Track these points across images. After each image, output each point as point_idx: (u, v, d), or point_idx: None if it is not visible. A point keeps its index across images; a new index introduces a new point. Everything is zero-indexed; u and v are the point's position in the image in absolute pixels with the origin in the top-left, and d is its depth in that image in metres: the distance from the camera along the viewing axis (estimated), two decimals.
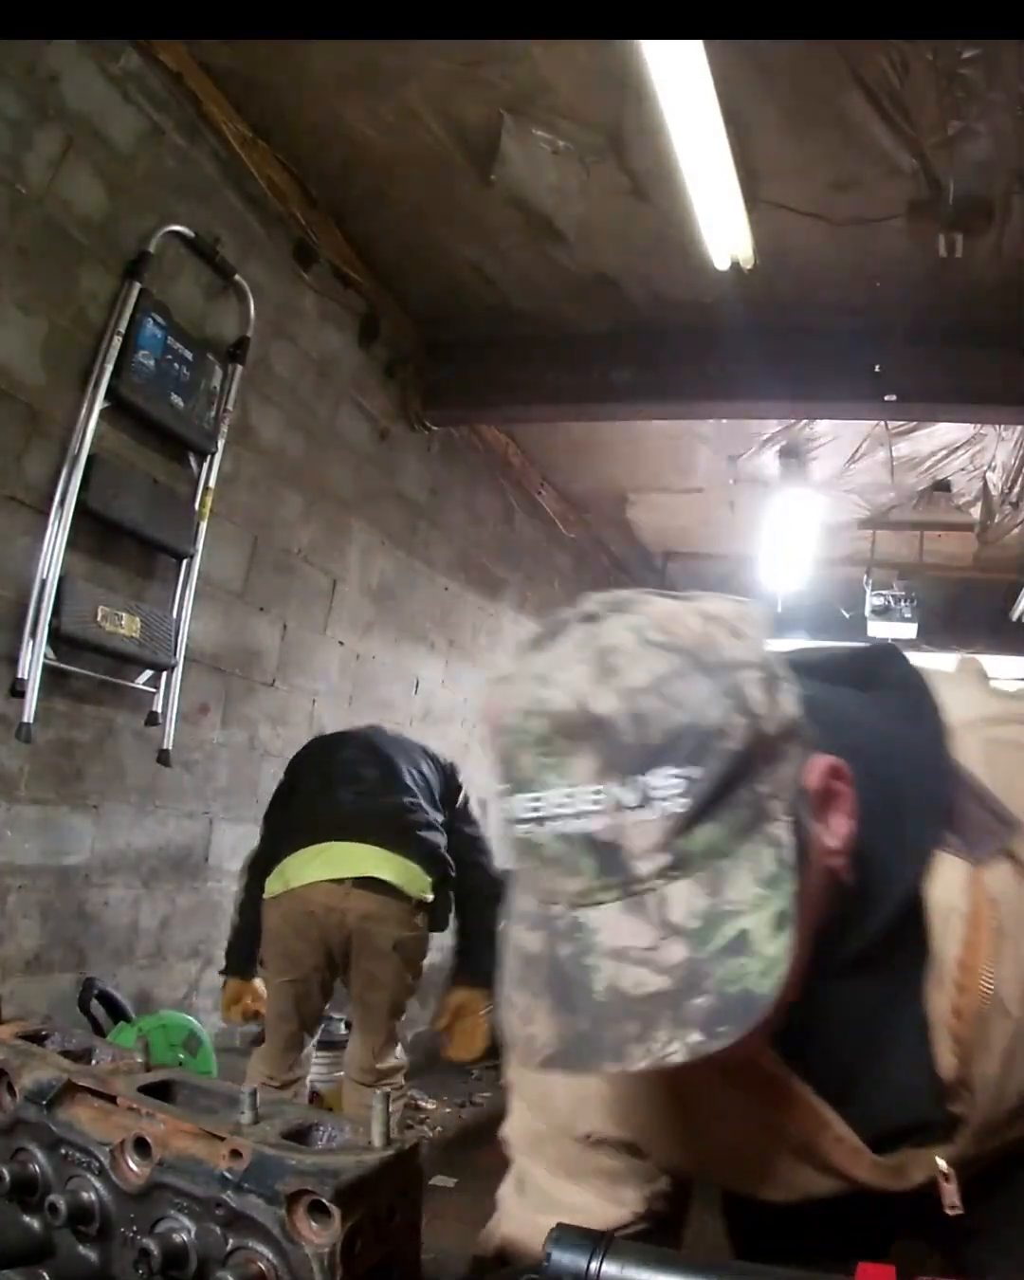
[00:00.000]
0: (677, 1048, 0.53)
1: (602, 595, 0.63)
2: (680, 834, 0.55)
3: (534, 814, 0.56)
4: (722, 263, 3.22)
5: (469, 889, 2.82)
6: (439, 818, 2.86)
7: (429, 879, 2.75)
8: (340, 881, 2.61)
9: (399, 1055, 2.81)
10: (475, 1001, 2.81)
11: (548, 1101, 0.84)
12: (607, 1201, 0.84)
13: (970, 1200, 0.78)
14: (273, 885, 2.69)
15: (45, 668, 2.49)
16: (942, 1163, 0.76)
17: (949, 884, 0.69)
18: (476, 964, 2.81)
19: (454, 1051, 2.92)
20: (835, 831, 0.64)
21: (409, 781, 2.86)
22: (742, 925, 0.55)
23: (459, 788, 2.99)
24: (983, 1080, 0.73)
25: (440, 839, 2.82)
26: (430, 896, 2.76)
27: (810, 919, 0.62)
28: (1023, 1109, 0.77)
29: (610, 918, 0.56)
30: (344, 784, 2.80)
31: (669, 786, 0.54)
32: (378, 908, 2.63)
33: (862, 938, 0.71)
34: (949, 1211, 0.76)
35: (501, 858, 2.29)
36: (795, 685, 0.63)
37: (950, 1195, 0.76)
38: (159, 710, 2.89)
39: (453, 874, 2.81)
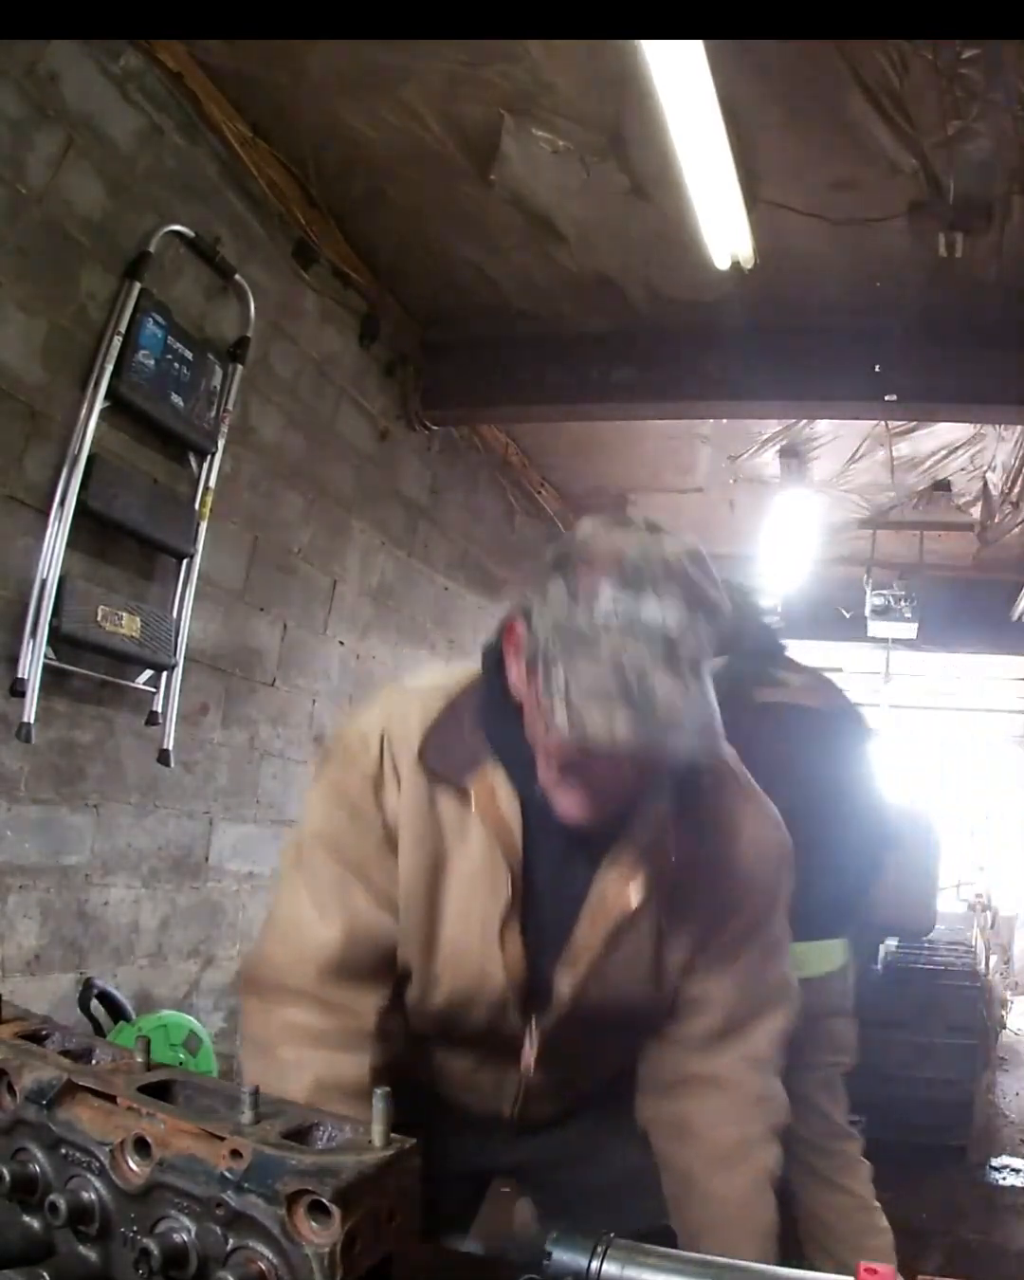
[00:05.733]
0: (692, 750, 0.95)
1: (639, 517, 1.02)
2: (706, 651, 0.96)
3: (632, 610, 0.93)
4: (722, 263, 3.22)
5: None
6: None
7: None
8: None
9: None
10: None
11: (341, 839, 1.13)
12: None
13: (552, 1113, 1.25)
14: None
15: (45, 668, 2.49)
16: (534, 1026, 1.15)
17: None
18: None
19: None
20: None
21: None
22: (710, 701, 0.96)
23: None
24: (588, 951, 1.11)
25: None
26: None
27: None
28: (608, 1002, 1.13)
29: (665, 676, 0.92)
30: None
31: (707, 631, 0.96)
32: None
33: None
34: (523, 1069, 1.17)
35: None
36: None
37: (527, 1056, 1.15)
38: (159, 710, 2.89)
39: None
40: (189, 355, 2.92)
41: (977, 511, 5.55)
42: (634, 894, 1.10)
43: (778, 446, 5.07)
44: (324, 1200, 0.51)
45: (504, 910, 1.08)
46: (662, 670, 0.92)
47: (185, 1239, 0.55)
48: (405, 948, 1.12)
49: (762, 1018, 1.20)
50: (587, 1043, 1.20)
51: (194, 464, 3.05)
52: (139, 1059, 0.67)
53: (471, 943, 1.10)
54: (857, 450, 5.04)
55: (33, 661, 2.45)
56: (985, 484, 5.25)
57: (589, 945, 1.11)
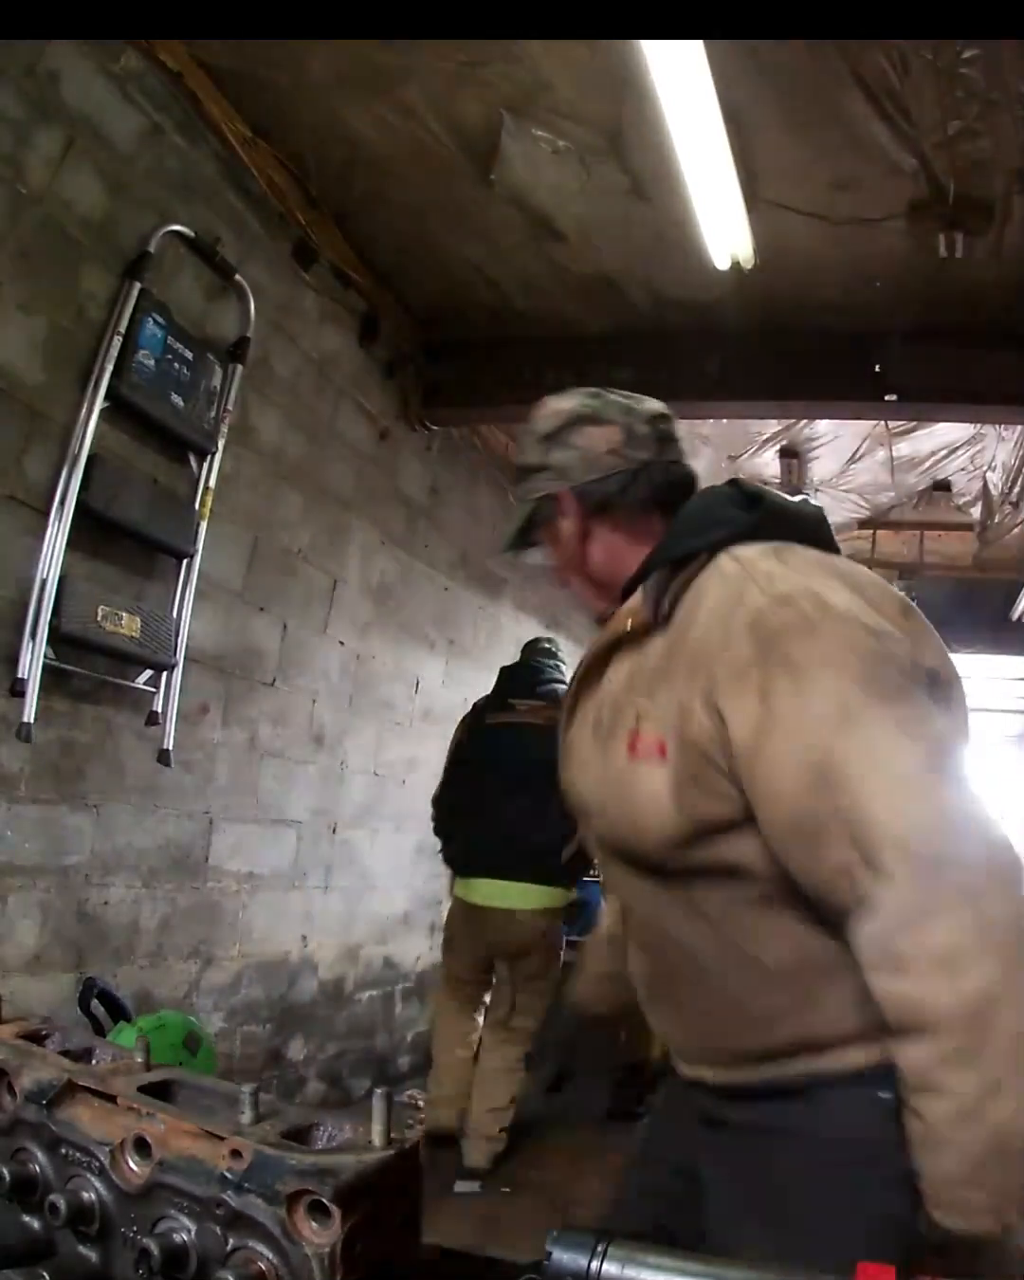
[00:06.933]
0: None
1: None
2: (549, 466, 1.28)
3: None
4: (722, 263, 3.22)
5: None
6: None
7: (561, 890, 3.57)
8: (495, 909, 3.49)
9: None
10: None
11: None
12: None
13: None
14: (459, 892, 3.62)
15: (45, 668, 2.49)
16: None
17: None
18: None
19: None
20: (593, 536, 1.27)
21: (536, 799, 3.30)
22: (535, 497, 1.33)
23: None
24: (575, 754, 1.20)
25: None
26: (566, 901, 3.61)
27: (584, 554, 1.29)
28: (609, 828, 1.13)
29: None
30: (477, 814, 3.55)
31: (552, 453, 1.27)
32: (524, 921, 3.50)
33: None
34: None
35: None
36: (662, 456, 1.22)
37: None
38: (159, 710, 2.89)
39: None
40: (189, 355, 2.92)
41: (977, 511, 5.55)
42: (610, 686, 1.13)
43: (778, 446, 5.07)
44: (324, 1200, 0.51)
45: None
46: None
47: (185, 1239, 0.55)
48: None
49: (808, 844, 0.95)
50: (630, 887, 1.14)
51: (194, 464, 3.05)
52: (139, 1059, 0.67)
53: None
54: (857, 450, 5.04)
55: (33, 661, 2.45)
56: (985, 484, 5.25)
57: (576, 751, 1.18)
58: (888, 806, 0.90)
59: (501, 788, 3.47)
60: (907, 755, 0.92)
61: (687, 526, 1.13)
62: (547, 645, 3.90)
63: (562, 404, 1.25)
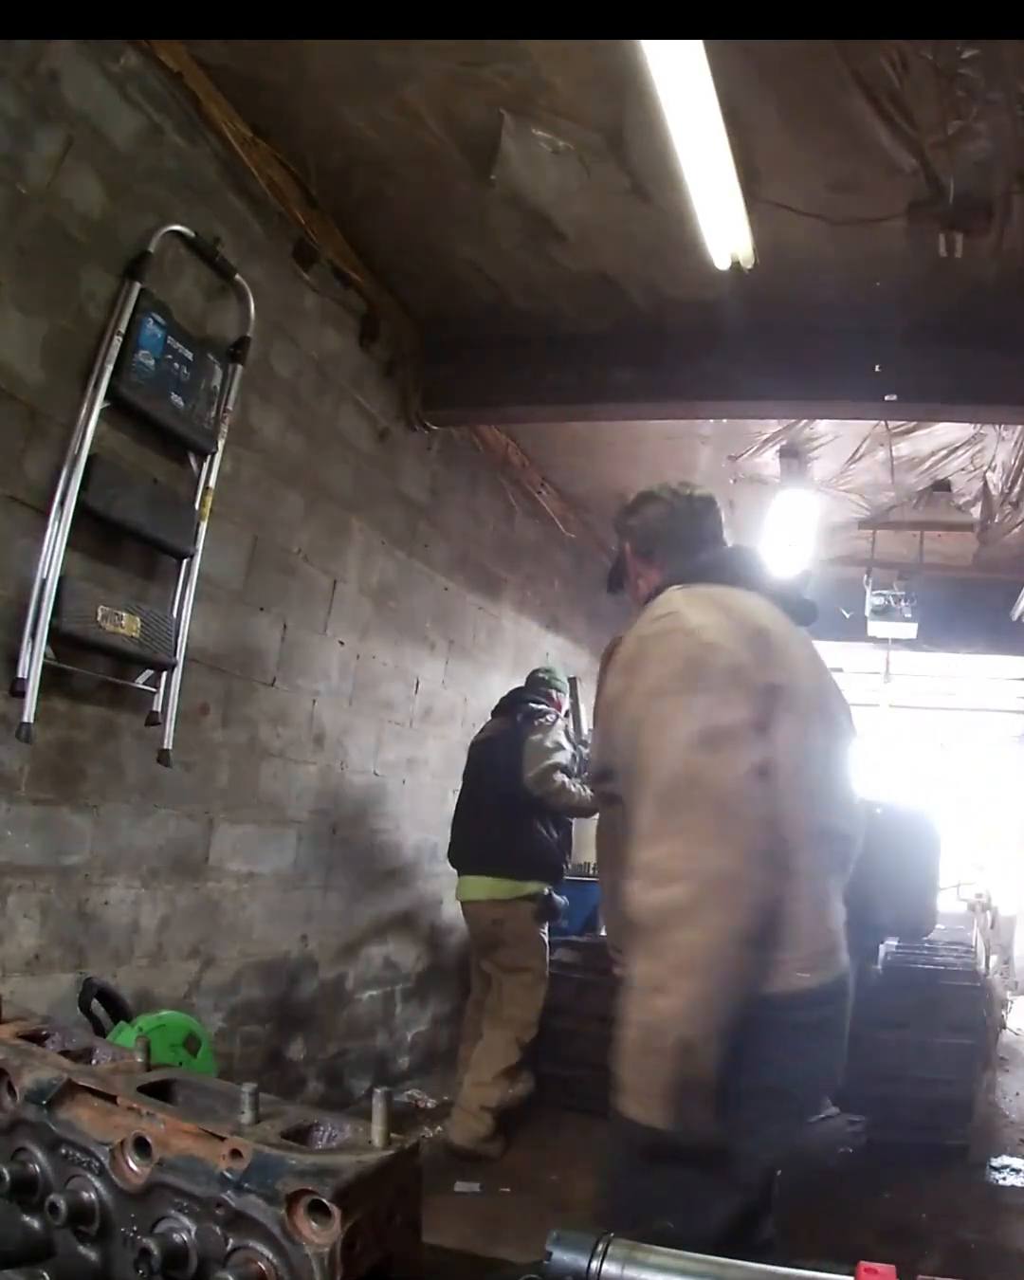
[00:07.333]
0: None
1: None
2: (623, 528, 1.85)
3: None
4: (722, 262, 3.22)
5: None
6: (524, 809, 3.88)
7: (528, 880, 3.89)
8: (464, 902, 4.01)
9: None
10: None
11: None
12: None
13: None
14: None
15: (45, 667, 2.48)
16: None
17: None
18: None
19: None
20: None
21: (493, 801, 3.93)
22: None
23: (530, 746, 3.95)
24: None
25: (531, 838, 3.89)
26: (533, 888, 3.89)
27: (635, 587, 1.79)
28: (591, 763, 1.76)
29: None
30: (458, 818, 4.12)
31: (626, 520, 1.84)
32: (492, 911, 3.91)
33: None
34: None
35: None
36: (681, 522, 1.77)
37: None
38: (159, 710, 2.89)
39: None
40: (189, 355, 2.92)
41: (977, 511, 5.55)
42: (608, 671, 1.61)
43: (778, 446, 5.07)
44: (324, 1200, 0.51)
45: None
46: None
47: (185, 1239, 0.55)
48: None
49: (628, 779, 1.44)
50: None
51: (194, 464, 3.05)
52: (139, 1059, 0.67)
53: None
54: (857, 450, 5.04)
55: (33, 661, 2.45)
56: (985, 484, 5.25)
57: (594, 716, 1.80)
58: (653, 758, 1.35)
59: (468, 795, 4.14)
60: (680, 728, 1.34)
61: (679, 570, 1.66)
62: (542, 675, 4.44)
63: (641, 489, 1.84)
